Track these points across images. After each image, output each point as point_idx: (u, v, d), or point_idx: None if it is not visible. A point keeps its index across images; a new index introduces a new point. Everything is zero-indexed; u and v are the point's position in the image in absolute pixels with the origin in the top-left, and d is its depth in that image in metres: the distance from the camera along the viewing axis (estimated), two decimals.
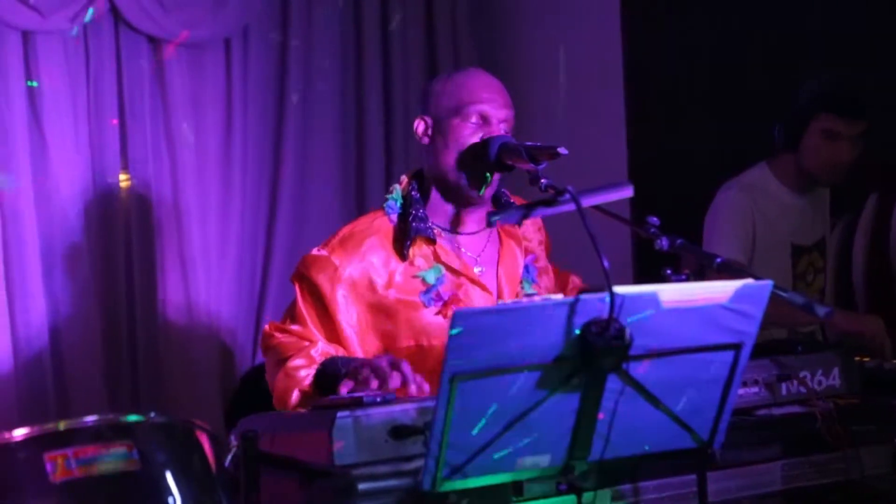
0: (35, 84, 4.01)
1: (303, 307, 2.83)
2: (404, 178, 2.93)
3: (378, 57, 4.69)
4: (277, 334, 2.84)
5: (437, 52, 4.80)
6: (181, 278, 4.23)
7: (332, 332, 2.80)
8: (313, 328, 2.81)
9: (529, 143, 2.69)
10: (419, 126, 2.89)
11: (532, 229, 3.03)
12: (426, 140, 2.87)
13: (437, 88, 2.90)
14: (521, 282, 2.94)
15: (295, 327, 2.83)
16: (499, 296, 2.89)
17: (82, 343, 4.04)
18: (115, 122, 4.16)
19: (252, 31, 4.41)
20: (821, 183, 3.98)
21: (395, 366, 2.55)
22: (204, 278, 4.27)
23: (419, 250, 2.83)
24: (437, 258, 2.84)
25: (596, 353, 1.99)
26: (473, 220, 2.89)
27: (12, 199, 3.94)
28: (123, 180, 4.19)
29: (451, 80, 2.89)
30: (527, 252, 2.98)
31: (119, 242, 4.16)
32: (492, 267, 2.91)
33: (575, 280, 3.11)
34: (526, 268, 2.96)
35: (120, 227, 4.17)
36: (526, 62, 4.94)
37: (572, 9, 4.93)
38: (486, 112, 2.82)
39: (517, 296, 2.92)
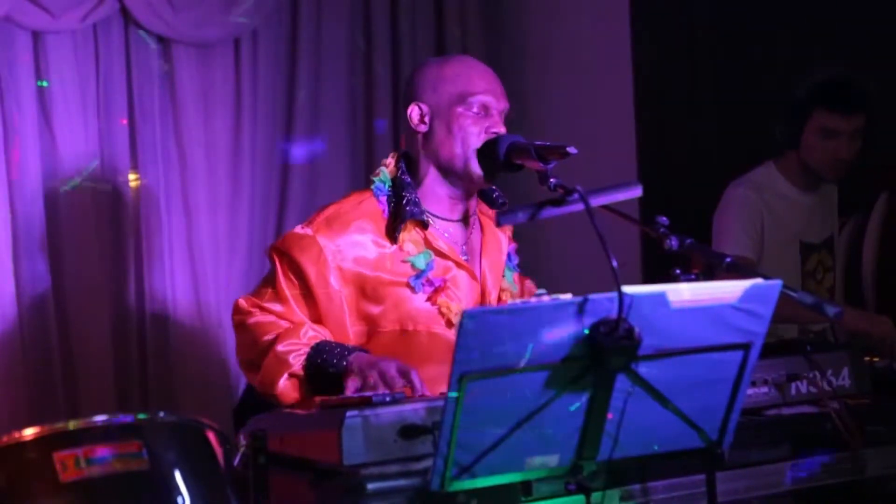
0: (45, 84, 4.01)
1: (284, 286, 2.76)
2: (391, 161, 2.89)
3: (387, 56, 4.69)
4: (256, 311, 2.78)
5: (446, 52, 4.79)
6: (191, 276, 4.23)
7: (315, 313, 2.75)
8: (296, 308, 2.75)
9: (539, 143, 2.68)
10: (413, 113, 2.84)
11: (507, 228, 3.01)
12: (423, 127, 2.84)
13: (433, 75, 2.86)
14: (503, 270, 2.93)
15: (276, 307, 2.77)
16: (482, 284, 2.89)
17: (92, 341, 4.03)
18: (125, 121, 4.15)
19: (261, 31, 4.40)
20: (825, 179, 3.98)
21: (404, 374, 2.54)
22: (213, 276, 4.27)
23: (409, 235, 2.80)
24: (427, 243, 2.81)
25: (605, 352, 1.99)
26: (464, 208, 2.88)
27: (22, 199, 3.94)
28: (133, 179, 4.19)
29: (448, 67, 2.87)
30: (509, 241, 3.00)
31: (129, 241, 4.16)
32: (475, 256, 2.90)
33: (529, 285, 3.09)
34: (509, 256, 2.97)
35: (130, 225, 4.16)
36: (535, 62, 4.94)
37: (581, 8, 4.92)
38: (487, 103, 2.81)
39: (500, 285, 2.91)
